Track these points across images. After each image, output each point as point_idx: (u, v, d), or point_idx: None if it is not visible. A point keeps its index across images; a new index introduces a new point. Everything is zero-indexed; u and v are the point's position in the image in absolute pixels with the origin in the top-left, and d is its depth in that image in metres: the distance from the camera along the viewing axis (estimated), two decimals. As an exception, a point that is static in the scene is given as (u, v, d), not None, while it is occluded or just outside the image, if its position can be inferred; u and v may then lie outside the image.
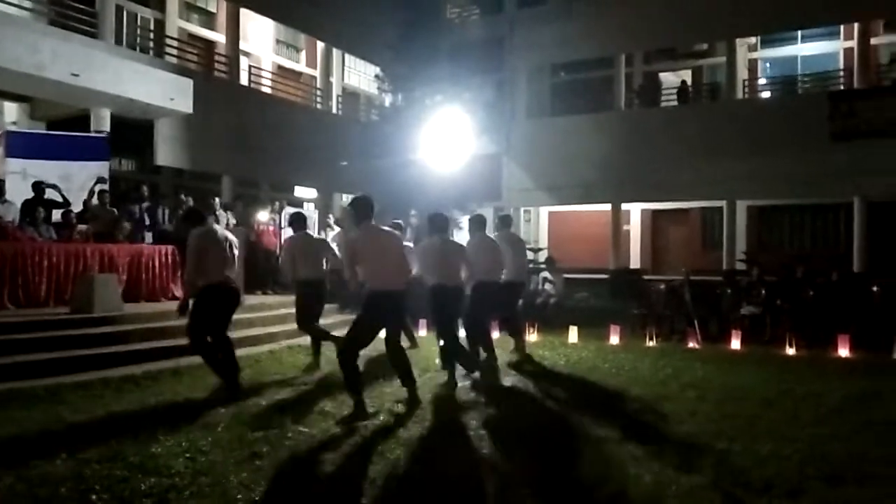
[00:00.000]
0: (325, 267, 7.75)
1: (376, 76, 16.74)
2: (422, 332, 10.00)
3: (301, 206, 16.78)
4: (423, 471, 4.10)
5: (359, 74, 20.46)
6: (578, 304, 13.04)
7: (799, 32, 17.38)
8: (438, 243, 6.82)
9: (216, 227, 6.68)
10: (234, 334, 8.74)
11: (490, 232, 8.31)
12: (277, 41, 18.63)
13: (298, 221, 8.04)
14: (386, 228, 6.10)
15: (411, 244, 8.83)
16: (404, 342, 6.77)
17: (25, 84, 10.83)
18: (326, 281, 7.89)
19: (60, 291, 8.70)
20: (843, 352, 8.82)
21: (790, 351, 9.03)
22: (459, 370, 6.85)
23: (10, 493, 3.61)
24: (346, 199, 19.43)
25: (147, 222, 11.13)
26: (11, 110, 12.79)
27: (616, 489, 3.80)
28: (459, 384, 6.65)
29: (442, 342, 6.91)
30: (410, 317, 8.75)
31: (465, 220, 8.26)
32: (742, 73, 17.61)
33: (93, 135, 11.70)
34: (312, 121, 16.85)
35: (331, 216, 15.82)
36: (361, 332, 5.57)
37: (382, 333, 5.75)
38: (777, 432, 4.94)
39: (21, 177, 10.52)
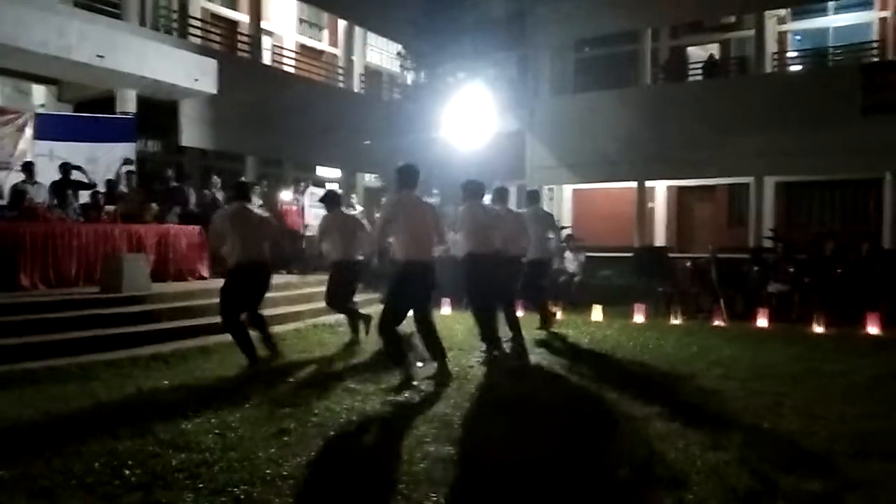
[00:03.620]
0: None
1: (398, 54, 16.66)
2: (445, 310, 10.04)
3: (323, 186, 16.85)
4: (450, 448, 4.13)
5: (381, 52, 20.37)
6: (602, 283, 12.96)
7: (831, 3, 16.91)
8: (474, 209, 6.90)
9: (250, 206, 6.77)
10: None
11: (516, 209, 8.31)
12: (300, 20, 18.59)
13: (332, 200, 7.93)
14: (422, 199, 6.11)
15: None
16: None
17: (53, 66, 10.93)
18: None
19: (90, 271, 8.85)
20: (873, 329, 8.70)
21: (818, 329, 8.91)
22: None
23: (46, 467, 3.70)
24: (369, 178, 19.46)
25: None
26: (40, 92, 12.93)
27: (641, 466, 3.79)
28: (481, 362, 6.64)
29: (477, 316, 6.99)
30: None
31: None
32: (771, 47, 17.16)
33: (119, 116, 11.79)
34: (335, 100, 16.83)
35: (353, 196, 15.86)
36: (397, 302, 5.73)
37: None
38: (804, 410, 4.90)
39: (49, 158, 10.66)
